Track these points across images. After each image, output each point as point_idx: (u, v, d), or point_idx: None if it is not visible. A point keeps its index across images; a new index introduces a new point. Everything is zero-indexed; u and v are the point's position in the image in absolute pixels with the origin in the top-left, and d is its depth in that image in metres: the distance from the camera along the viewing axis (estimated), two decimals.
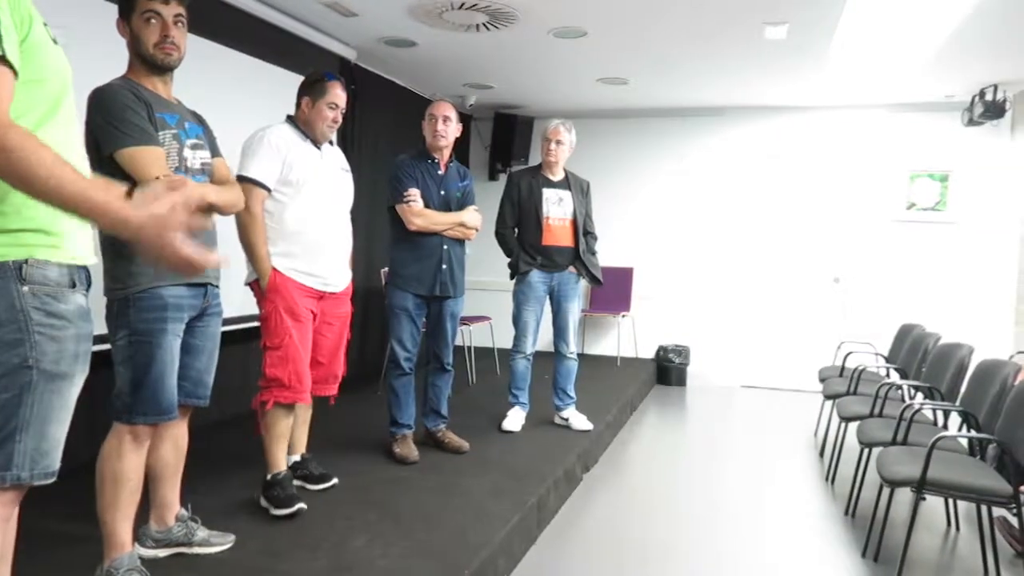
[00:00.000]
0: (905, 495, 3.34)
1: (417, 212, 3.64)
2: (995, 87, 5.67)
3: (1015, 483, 2.69)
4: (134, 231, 1.35)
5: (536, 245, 4.36)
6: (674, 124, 7.24)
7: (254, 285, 2.99)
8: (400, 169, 3.72)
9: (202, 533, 2.57)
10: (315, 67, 4.27)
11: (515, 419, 4.40)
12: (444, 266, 3.72)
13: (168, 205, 1.37)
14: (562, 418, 4.51)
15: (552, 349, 4.58)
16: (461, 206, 3.81)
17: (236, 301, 3.39)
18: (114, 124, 2.15)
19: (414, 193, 3.65)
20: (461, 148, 7.71)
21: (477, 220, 3.84)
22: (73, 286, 1.50)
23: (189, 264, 1.40)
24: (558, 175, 4.46)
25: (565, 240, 4.41)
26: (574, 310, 4.51)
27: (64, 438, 1.53)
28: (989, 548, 3.00)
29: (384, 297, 5.46)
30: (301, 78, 3.20)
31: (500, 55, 5.36)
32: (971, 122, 6.02)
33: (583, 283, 4.61)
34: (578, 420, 4.47)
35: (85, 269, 1.56)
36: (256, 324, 4.20)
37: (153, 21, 2.22)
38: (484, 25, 4.60)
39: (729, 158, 7.10)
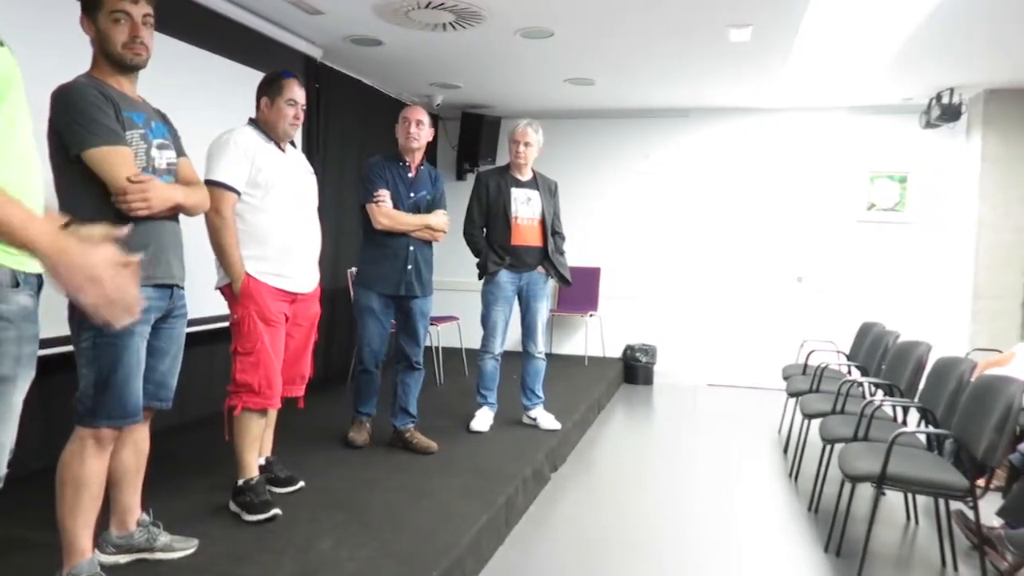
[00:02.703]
0: (866, 490, 3.41)
1: (384, 212, 3.71)
2: (951, 90, 5.81)
3: (971, 477, 2.76)
4: (44, 258, 1.32)
5: (505, 245, 4.36)
6: (640, 125, 7.30)
7: (225, 289, 2.94)
8: (371, 170, 3.80)
9: (164, 538, 2.53)
10: (280, 66, 4.23)
11: (483, 419, 4.40)
12: (410, 266, 3.77)
13: (98, 260, 1.33)
14: (530, 417, 4.52)
15: (520, 349, 4.58)
16: (431, 208, 3.86)
17: (199, 303, 3.34)
18: (81, 124, 2.11)
19: (384, 194, 3.72)
20: (428, 148, 7.67)
21: (444, 223, 3.89)
22: (16, 286, 1.44)
23: (118, 306, 1.35)
24: (526, 175, 4.47)
25: (534, 240, 4.42)
26: (542, 310, 4.52)
27: (10, 443, 1.47)
28: (947, 541, 3.08)
29: (350, 297, 5.45)
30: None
31: (467, 55, 5.35)
32: (929, 124, 6.16)
33: (551, 283, 4.63)
34: (546, 419, 4.48)
35: (37, 275, 1.52)
36: (220, 326, 4.19)
37: (122, 21, 2.18)
38: (451, 24, 4.59)
39: (694, 159, 7.17)
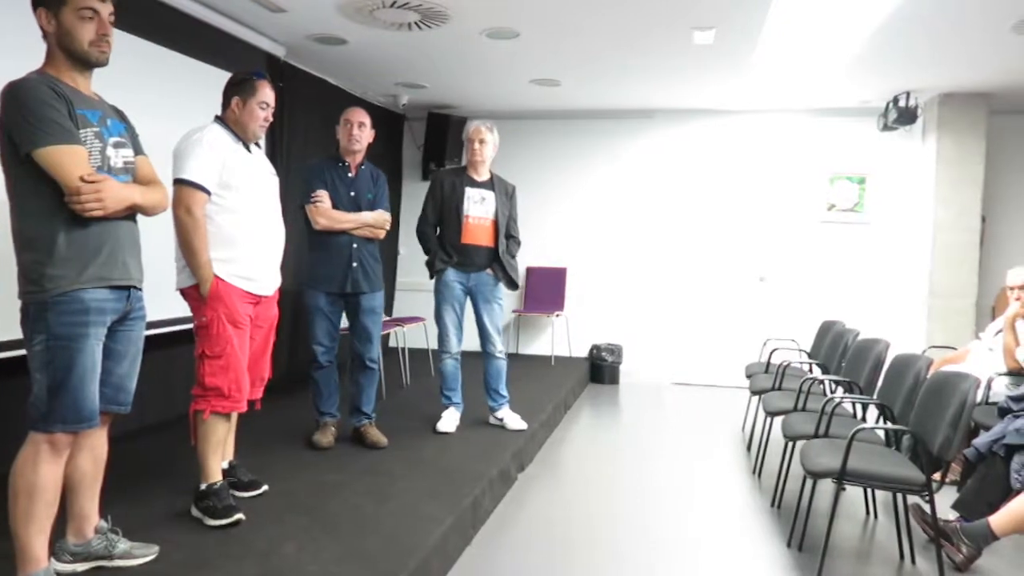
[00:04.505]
0: (827, 486, 3.47)
1: (322, 212, 3.77)
2: (908, 94, 5.95)
3: (927, 472, 2.82)
4: None
5: (455, 243, 4.35)
6: (606, 126, 7.34)
7: (188, 291, 2.88)
8: (310, 172, 3.86)
9: (123, 545, 2.48)
10: (242, 64, 4.18)
11: (450, 420, 4.39)
12: (355, 263, 3.82)
13: None
14: (496, 418, 4.51)
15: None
16: (372, 208, 3.91)
17: (158, 305, 3.28)
18: (31, 122, 2.05)
19: (322, 194, 3.78)
20: (394, 148, 7.65)
21: (383, 221, 3.94)
22: None
23: None
24: (483, 175, 4.45)
25: (484, 240, 4.40)
26: (494, 311, 4.47)
27: None
28: (904, 534, 3.15)
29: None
30: (227, 75, 3.12)
31: (433, 55, 5.33)
32: (886, 127, 6.29)
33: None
34: (512, 419, 4.48)
35: None
36: (179, 328, 4.11)
37: (91, 18, 2.15)
38: (416, 24, 4.57)
39: (659, 160, 7.23)
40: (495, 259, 4.43)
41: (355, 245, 3.82)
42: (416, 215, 4.51)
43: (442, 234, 4.41)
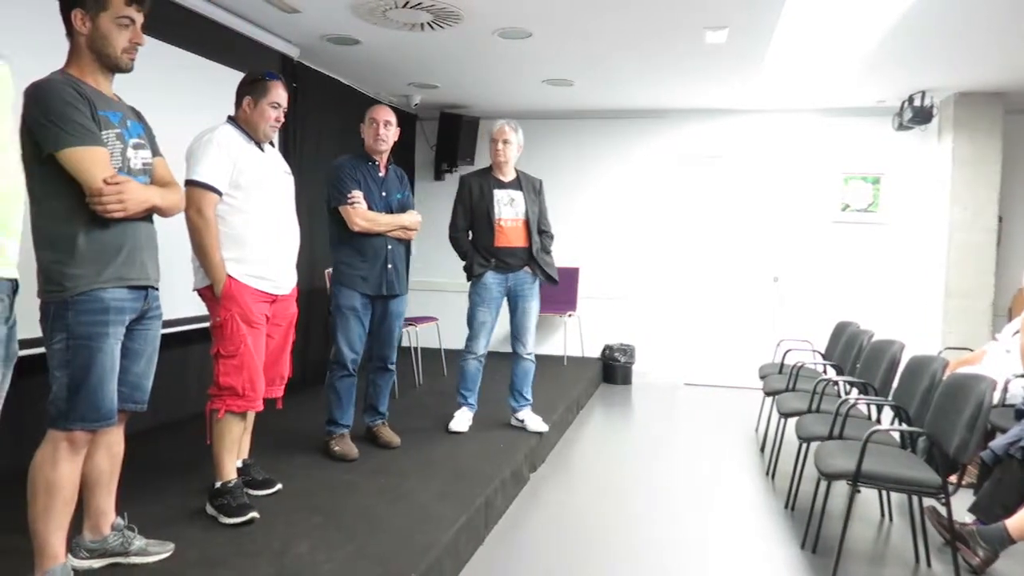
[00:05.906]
0: (842, 488, 3.45)
1: (361, 214, 3.71)
2: (923, 93, 5.90)
3: (943, 474, 2.80)
4: None
5: (489, 247, 4.32)
6: (618, 126, 7.33)
7: (204, 291, 2.91)
8: (342, 171, 3.77)
9: (139, 542, 2.50)
10: (256, 64, 4.20)
11: (462, 420, 4.38)
12: (390, 266, 3.79)
13: None
14: (518, 419, 4.49)
15: (503, 350, 4.53)
16: (401, 208, 3.89)
17: (173, 304, 3.31)
18: (55, 122, 2.07)
19: (357, 195, 3.71)
20: (406, 148, 7.66)
21: (417, 222, 3.93)
22: None
23: None
24: (509, 175, 4.44)
25: (518, 241, 4.38)
26: (532, 309, 4.45)
27: None
28: (920, 537, 3.13)
29: (328, 298, 5.42)
30: (241, 75, 3.14)
31: (445, 55, 5.34)
32: (901, 127, 6.25)
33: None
34: (534, 421, 4.46)
35: (11, 280, 1.49)
36: (194, 327, 4.14)
37: (127, 26, 2.18)
38: (429, 24, 4.58)
39: (672, 160, 7.22)
40: (531, 258, 4.41)
41: (390, 247, 3.78)
42: (428, 215, 4.50)
43: (475, 238, 4.37)
